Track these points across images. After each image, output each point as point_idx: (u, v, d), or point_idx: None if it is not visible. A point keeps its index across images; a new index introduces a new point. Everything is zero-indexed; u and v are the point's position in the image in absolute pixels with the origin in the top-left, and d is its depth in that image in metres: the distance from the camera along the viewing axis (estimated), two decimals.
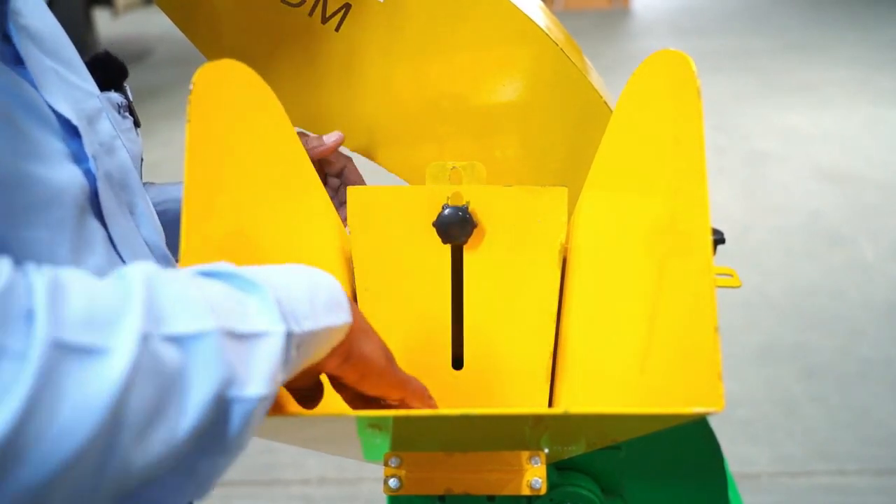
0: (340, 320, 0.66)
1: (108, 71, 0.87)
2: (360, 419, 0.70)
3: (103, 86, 0.85)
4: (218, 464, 0.54)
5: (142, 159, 0.91)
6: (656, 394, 0.79)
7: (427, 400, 0.78)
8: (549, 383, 0.99)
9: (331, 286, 0.66)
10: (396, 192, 1.00)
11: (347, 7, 1.02)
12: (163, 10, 1.07)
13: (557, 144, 1.07)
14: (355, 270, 0.98)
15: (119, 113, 0.85)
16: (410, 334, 1.00)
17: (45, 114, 0.72)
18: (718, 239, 1.08)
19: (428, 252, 0.99)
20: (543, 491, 0.76)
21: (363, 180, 1.11)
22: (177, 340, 0.51)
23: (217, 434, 0.53)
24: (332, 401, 0.92)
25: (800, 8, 8.75)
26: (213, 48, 1.07)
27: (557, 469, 1.00)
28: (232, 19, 1.06)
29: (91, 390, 0.46)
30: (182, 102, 0.77)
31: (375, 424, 0.72)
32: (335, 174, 1.11)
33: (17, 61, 0.73)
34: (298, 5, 1.03)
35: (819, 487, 2.37)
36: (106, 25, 7.44)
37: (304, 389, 0.73)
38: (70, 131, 0.74)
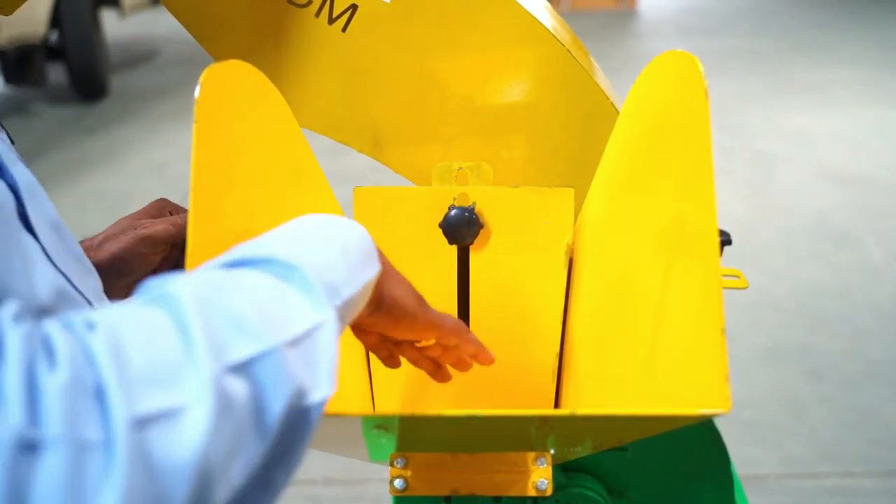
0: (374, 271, 0.66)
1: None
2: (365, 420, 0.70)
3: None
4: (292, 469, 0.54)
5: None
6: (663, 395, 0.79)
7: (465, 334, 0.79)
8: (555, 384, 0.99)
9: (359, 237, 0.66)
10: (403, 193, 1.00)
11: (354, 8, 1.02)
12: (170, 10, 1.07)
13: (564, 145, 1.07)
14: None
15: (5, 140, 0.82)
16: None
17: None
18: (725, 240, 1.08)
19: (434, 253, 0.99)
20: (549, 492, 0.76)
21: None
22: (241, 369, 0.50)
23: (290, 444, 0.53)
24: (336, 401, 0.92)
25: (806, 9, 8.73)
26: (219, 49, 1.07)
27: (563, 470, 1.00)
28: (238, 20, 1.06)
29: (178, 455, 0.44)
30: (189, 103, 0.77)
31: (381, 425, 0.72)
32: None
33: None
34: (305, 6, 1.03)
35: (826, 489, 2.37)
36: (113, 26, 7.46)
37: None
38: None
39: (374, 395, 0.99)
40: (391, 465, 0.78)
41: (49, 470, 0.40)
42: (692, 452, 1.04)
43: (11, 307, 0.45)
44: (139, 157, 4.97)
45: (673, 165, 0.82)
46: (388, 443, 0.76)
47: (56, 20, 5.71)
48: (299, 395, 0.52)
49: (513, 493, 0.77)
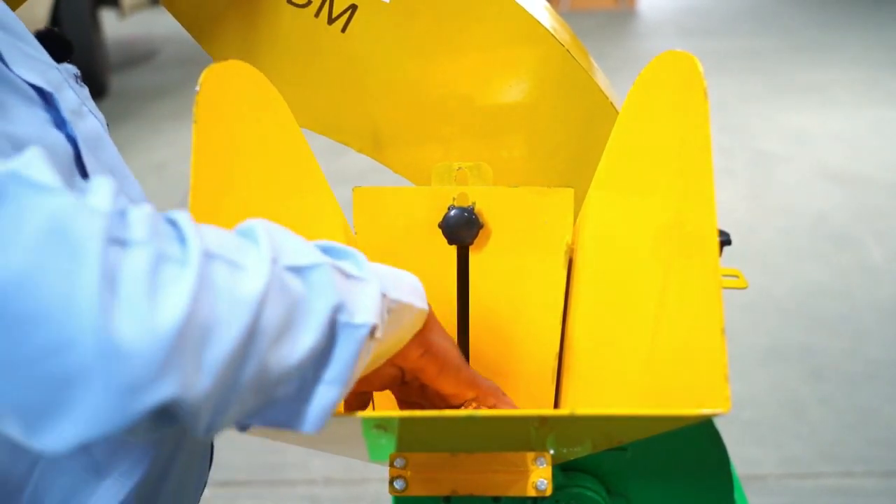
0: (421, 303, 0.73)
1: (54, 46, 0.88)
2: (365, 420, 0.70)
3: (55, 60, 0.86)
4: (330, 395, 0.59)
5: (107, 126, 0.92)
6: (662, 395, 0.79)
7: (502, 397, 0.82)
8: (554, 384, 0.99)
9: (412, 278, 0.74)
10: (402, 193, 1.00)
11: (354, 8, 1.02)
12: (169, 10, 1.07)
13: (563, 145, 1.07)
14: None
15: (77, 83, 0.86)
16: None
17: (18, 85, 0.73)
18: (725, 240, 1.08)
19: (434, 253, 0.99)
20: (549, 492, 0.76)
21: None
22: (297, 270, 0.58)
23: (331, 357, 0.59)
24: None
25: (806, 8, 8.73)
26: (219, 49, 1.07)
27: (563, 470, 1.00)
28: (238, 20, 1.06)
29: (238, 295, 0.52)
30: (189, 103, 0.77)
31: (381, 425, 0.72)
32: None
33: None
34: (304, 6, 1.03)
35: (826, 489, 2.37)
36: (112, 26, 7.46)
37: (363, 395, 0.80)
38: (43, 99, 0.76)
39: (374, 394, 0.99)
40: (391, 465, 0.78)
41: (134, 262, 0.48)
42: (692, 452, 1.04)
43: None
44: (139, 157, 4.97)
45: (673, 165, 0.82)
46: (388, 443, 0.76)
47: (56, 20, 5.71)
48: (342, 309, 0.59)
49: (512, 493, 0.77)
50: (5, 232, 0.45)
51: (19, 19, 0.83)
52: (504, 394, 0.83)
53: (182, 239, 0.52)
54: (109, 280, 0.46)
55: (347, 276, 0.62)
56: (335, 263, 0.61)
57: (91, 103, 0.87)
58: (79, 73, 0.88)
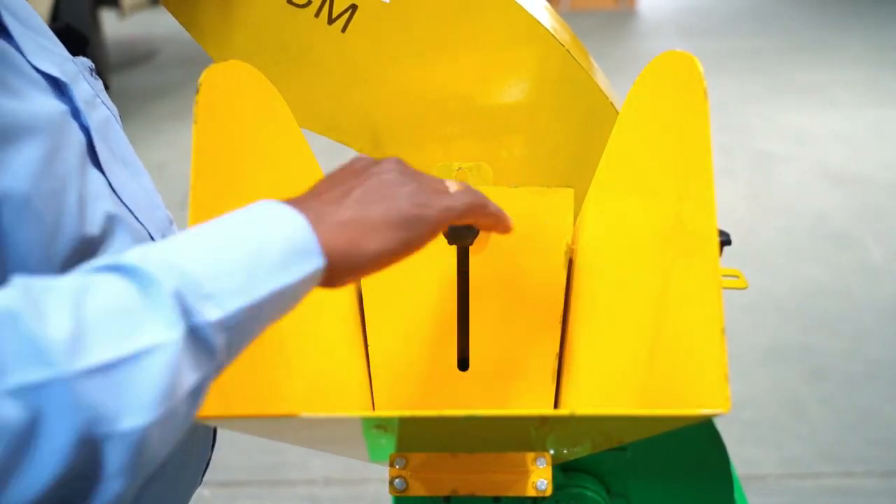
0: (305, 271, 0.59)
1: (70, 40, 0.89)
2: (365, 420, 0.70)
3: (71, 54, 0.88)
4: (114, 495, 0.51)
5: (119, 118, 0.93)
6: (662, 395, 0.79)
7: (482, 210, 0.72)
8: (554, 384, 0.99)
9: (289, 236, 0.59)
10: None
11: (354, 8, 1.02)
12: (169, 10, 1.07)
13: (563, 145, 1.07)
14: None
15: (91, 76, 0.87)
16: (416, 335, 1.00)
17: (35, 76, 0.75)
18: (725, 240, 1.08)
19: (434, 253, 0.99)
20: (549, 492, 0.76)
21: None
22: (20, 393, 0.47)
23: (96, 473, 0.50)
24: (336, 402, 0.92)
25: (806, 9, 8.72)
26: (219, 49, 1.07)
27: (563, 470, 1.00)
28: (238, 20, 1.06)
29: None
30: (189, 103, 0.77)
31: (381, 425, 0.72)
32: None
33: (1, 30, 0.75)
34: (304, 6, 1.03)
35: (826, 489, 2.37)
36: (112, 26, 7.45)
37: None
38: (58, 89, 0.78)
39: (374, 395, 0.99)
40: (391, 465, 0.78)
41: None
42: (692, 452, 1.04)
43: None
44: (139, 156, 4.96)
45: (673, 165, 0.82)
46: (388, 443, 0.76)
47: (56, 20, 5.71)
48: (95, 423, 0.49)
49: (512, 492, 0.77)
50: None
51: (35, 13, 0.85)
52: (484, 205, 0.72)
53: None
54: None
55: (110, 367, 0.50)
56: (87, 362, 0.49)
57: (104, 95, 0.89)
58: (93, 67, 0.90)
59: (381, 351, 0.99)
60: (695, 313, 0.74)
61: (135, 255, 0.55)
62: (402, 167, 0.68)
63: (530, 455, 0.77)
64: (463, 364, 1.01)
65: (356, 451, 0.83)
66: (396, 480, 0.78)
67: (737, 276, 1.14)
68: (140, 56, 7.53)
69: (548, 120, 1.06)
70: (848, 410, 2.66)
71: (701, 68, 0.77)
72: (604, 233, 0.95)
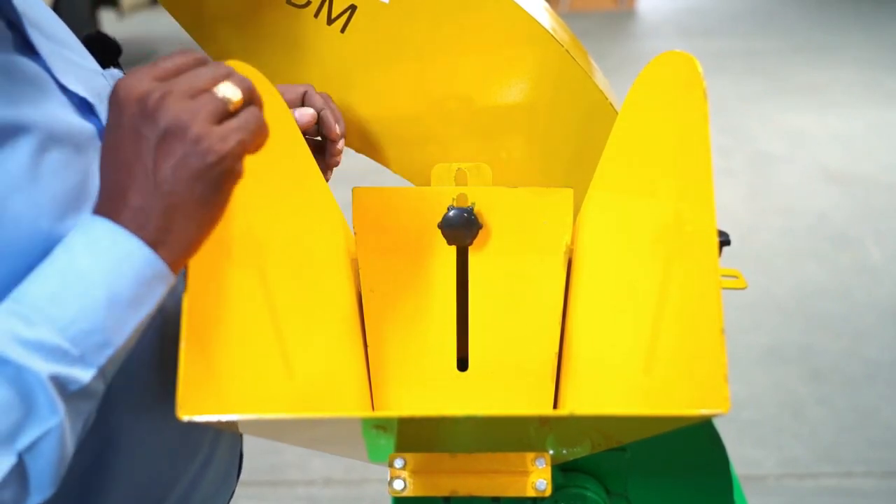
0: (158, 294, 0.63)
1: (102, 50, 0.88)
2: (365, 420, 0.70)
3: (101, 65, 0.86)
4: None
5: None
6: (662, 395, 0.79)
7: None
8: (554, 385, 0.99)
9: (137, 273, 0.61)
10: (401, 194, 1.00)
11: (353, 8, 1.02)
12: (168, 10, 1.07)
13: (563, 146, 1.07)
14: (360, 272, 0.98)
15: None
16: (415, 336, 1.00)
17: (62, 99, 0.73)
18: (724, 240, 1.08)
19: (433, 253, 0.99)
20: (548, 492, 0.76)
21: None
22: None
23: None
24: (336, 402, 0.92)
25: (806, 9, 8.72)
26: (218, 49, 1.07)
27: (562, 470, 1.00)
28: (237, 20, 1.06)
29: None
30: None
31: (381, 425, 0.72)
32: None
33: (25, 47, 0.73)
34: (304, 6, 1.03)
35: (825, 490, 2.37)
36: (112, 26, 7.45)
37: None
38: (85, 109, 0.75)
39: (374, 395, 0.99)
40: (390, 465, 0.78)
41: None
42: (692, 452, 1.04)
43: None
44: None
45: (672, 166, 0.82)
46: (388, 443, 0.76)
47: None
48: None
49: (512, 493, 0.77)
50: None
51: (67, 27, 0.83)
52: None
53: None
54: None
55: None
56: None
57: None
58: None
59: (380, 351, 0.99)
60: (694, 313, 0.74)
61: None
62: (165, 101, 0.62)
63: (530, 455, 0.77)
64: (462, 364, 1.01)
65: (356, 451, 0.83)
66: (396, 481, 0.78)
67: (736, 277, 1.14)
68: (139, 56, 7.52)
69: (547, 120, 1.05)
70: (847, 411, 2.66)
71: (700, 69, 0.77)
72: (603, 233, 0.95)
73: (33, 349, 0.59)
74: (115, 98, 0.63)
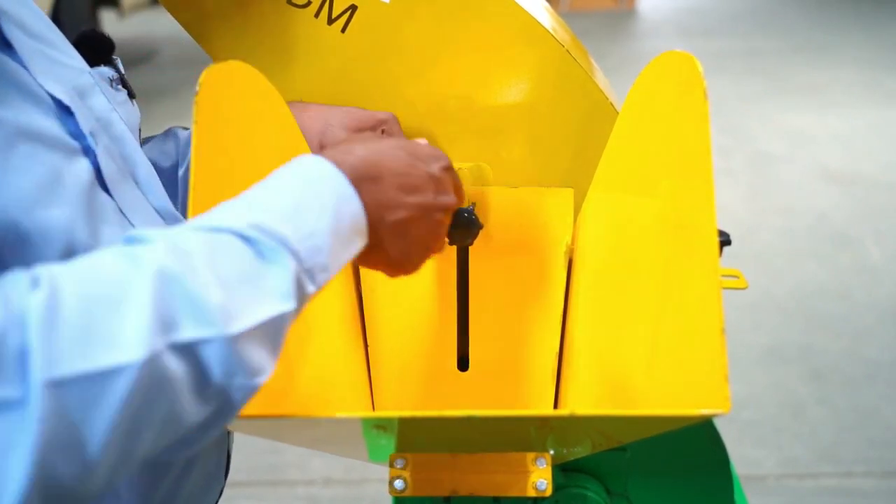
0: (357, 247, 0.68)
1: (95, 47, 0.88)
2: (365, 420, 0.70)
3: (93, 62, 0.85)
4: (212, 435, 0.59)
5: (140, 129, 0.91)
6: (662, 395, 0.79)
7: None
8: (554, 385, 0.99)
9: (353, 213, 0.67)
10: None
11: (353, 8, 1.02)
12: (169, 11, 1.07)
13: (563, 146, 1.07)
14: (360, 272, 0.98)
15: (112, 86, 0.85)
16: (416, 335, 1.00)
17: (40, 96, 0.73)
18: (724, 240, 1.08)
19: None
20: (549, 492, 0.76)
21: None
22: (186, 349, 0.53)
23: (220, 418, 0.58)
24: (336, 402, 0.92)
25: (806, 9, 8.72)
26: (219, 49, 1.07)
27: (563, 470, 1.00)
28: (238, 20, 1.06)
29: (98, 413, 0.49)
30: (188, 103, 0.77)
31: (381, 425, 0.72)
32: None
33: (4, 45, 0.73)
34: (304, 6, 1.03)
35: (826, 490, 2.37)
36: (112, 26, 7.45)
37: None
38: (64, 110, 0.75)
39: (374, 395, 0.99)
40: (391, 465, 0.78)
41: None
42: (692, 452, 1.04)
43: None
44: None
45: (672, 166, 0.82)
46: (388, 443, 0.76)
47: (55, 20, 5.70)
48: (244, 376, 0.56)
49: (512, 493, 0.77)
50: None
51: (54, 25, 0.82)
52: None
53: (24, 365, 0.48)
54: None
55: (252, 330, 0.57)
56: (241, 326, 0.56)
57: (125, 107, 0.85)
58: (115, 76, 0.87)
59: (380, 351, 0.99)
60: (695, 313, 0.74)
61: (239, 214, 0.62)
62: (438, 194, 0.76)
63: (530, 455, 0.77)
64: (463, 364, 1.01)
65: (356, 451, 0.83)
66: (396, 481, 0.78)
67: (736, 276, 1.14)
68: (139, 56, 7.53)
69: (547, 120, 1.06)
70: (848, 411, 2.66)
71: (700, 69, 0.77)
72: (604, 233, 0.95)
73: (279, 243, 0.60)
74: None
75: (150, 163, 0.87)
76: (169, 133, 1.03)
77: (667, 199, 0.82)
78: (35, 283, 0.51)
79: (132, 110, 0.88)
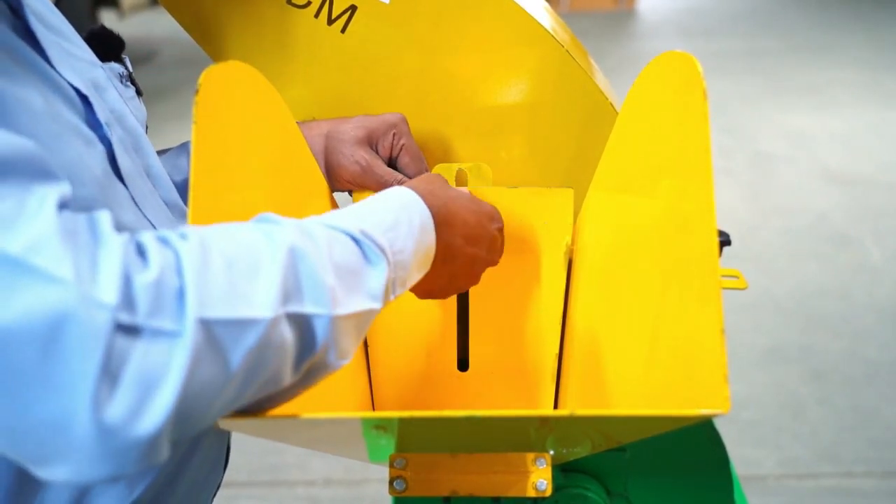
0: (420, 276, 0.76)
1: (105, 44, 0.88)
2: (365, 420, 0.70)
3: (102, 59, 0.86)
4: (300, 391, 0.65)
5: (146, 126, 0.92)
6: (662, 395, 0.79)
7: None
8: (554, 385, 0.99)
9: (428, 246, 0.76)
10: None
11: (353, 9, 1.02)
12: (169, 11, 1.07)
13: (563, 146, 1.07)
14: None
15: (121, 82, 0.86)
16: (416, 336, 1.00)
17: (61, 85, 0.74)
18: (724, 240, 1.08)
19: None
20: (549, 493, 0.76)
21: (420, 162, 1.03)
22: (299, 319, 0.60)
23: (307, 383, 0.65)
24: (336, 402, 0.92)
25: (806, 9, 8.73)
26: (218, 50, 1.07)
27: (562, 471, 1.00)
28: (237, 21, 1.06)
29: (235, 350, 0.56)
30: (188, 104, 0.77)
31: (381, 425, 0.72)
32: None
33: (27, 35, 0.73)
34: (304, 7, 1.03)
35: (826, 490, 2.37)
36: (112, 26, 7.45)
37: None
38: (82, 100, 0.76)
39: (374, 395, 0.99)
40: (391, 465, 0.78)
41: (134, 353, 0.52)
42: (692, 453, 1.04)
43: (109, 219, 0.57)
44: None
45: (672, 166, 0.82)
46: (388, 443, 0.76)
47: None
48: (335, 355, 0.64)
49: (512, 493, 0.77)
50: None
51: (66, 20, 0.83)
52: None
53: (181, 300, 0.55)
54: (110, 373, 0.52)
55: (348, 318, 0.64)
56: (343, 310, 0.63)
57: (135, 103, 0.87)
58: (124, 73, 0.88)
59: (381, 351, 0.99)
60: (694, 313, 0.74)
61: (353, 221, 0.69)
62: (490, 252, 0.89)
63: (530, 455, 0.77)
64: (462, 364, 1.01)
65: (356, 451, 0.83)
66: (396, 481, 0.78)
67: (736, 277, 1.14)
68: (139, 57, 7.53)
69: (547, 120, 1.06)
70: (848, 411, 2.66)
71: (700, 69, 0.77)
72: (604, 233, 0.95)
73: (381, 251, 0.68)
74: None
75: (158, 158, 0.88)
76: (183, 148, 1.04)
77: (667, 199, 0.82)
78: (184, 237, 0.58)
79: (140, 107, 0.89)
